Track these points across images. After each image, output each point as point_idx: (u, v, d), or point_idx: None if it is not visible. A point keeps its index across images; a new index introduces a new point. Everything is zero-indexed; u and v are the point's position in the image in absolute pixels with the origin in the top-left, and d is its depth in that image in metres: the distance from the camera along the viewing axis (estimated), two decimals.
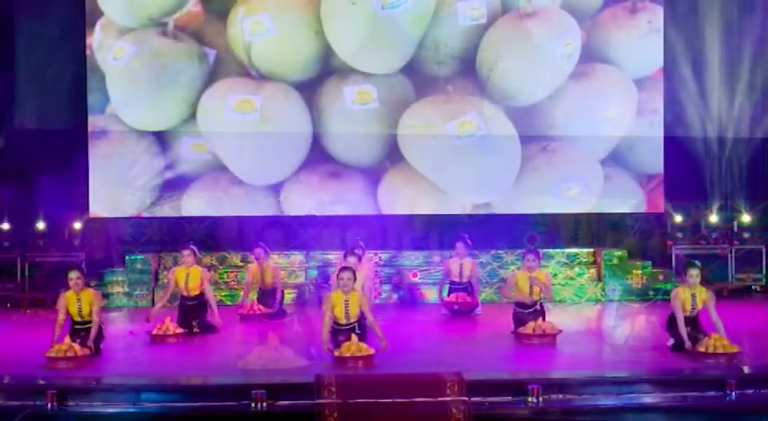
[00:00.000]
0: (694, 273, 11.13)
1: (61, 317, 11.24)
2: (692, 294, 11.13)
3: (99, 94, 16.15)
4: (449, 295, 14.16)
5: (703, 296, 11.13)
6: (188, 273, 12.91)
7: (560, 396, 9.53)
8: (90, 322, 11.26)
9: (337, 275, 11.27)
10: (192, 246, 13.04)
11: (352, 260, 13.50)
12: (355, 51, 16.15)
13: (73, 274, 11.30)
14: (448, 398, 9.35)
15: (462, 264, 14.17)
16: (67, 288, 11.35)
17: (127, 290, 15.60)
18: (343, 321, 11.04)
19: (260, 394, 9.34)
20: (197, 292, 12.90)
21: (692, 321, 11.12)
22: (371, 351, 10.56)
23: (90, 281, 15.62)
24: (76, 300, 11.29)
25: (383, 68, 16.15)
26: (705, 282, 11.39)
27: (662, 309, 12.08)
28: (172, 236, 15.99)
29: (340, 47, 16.07)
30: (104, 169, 16.13)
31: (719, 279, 15.90)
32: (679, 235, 16.36)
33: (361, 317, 11.08)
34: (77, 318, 11.28)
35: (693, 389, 9.65)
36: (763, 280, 16.20)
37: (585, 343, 11.97)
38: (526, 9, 16.11)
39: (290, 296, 15.16)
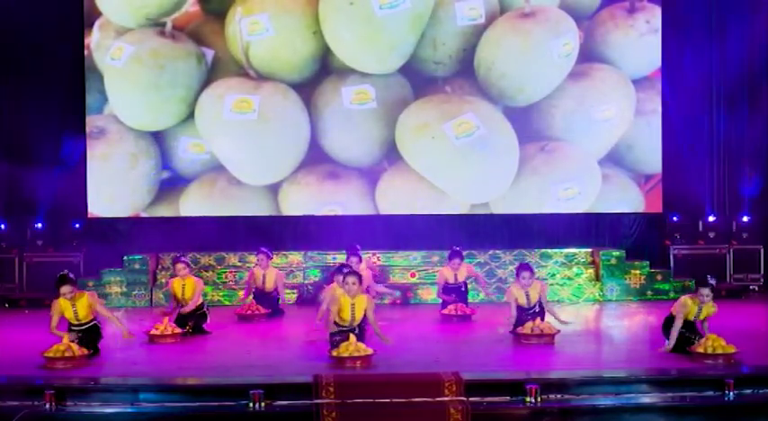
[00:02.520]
0: (705, 293, 11.08)
1: (54, 322, 11.19)
2: (699, 308, 11.13)
3: (97, 94, 16.18)
4: (443, 301, 14.12)
5: (710, 310, 11.13)
6: (184, 284, 12.88)
7: (558, 396, 9.53)
8: (87, 323, 11.26)
9: (343, 279, 11.26)
10: (183, 259, 12.99)
11: (353, 260, 13.54)
12: (353, 51, 16.16)
13: (65, 289, 11.18)
14: (446, 398, 9.35)
15: (457, 274, 14.14)
16: (59, 295, 11.32)
17: (125, 290, 15.60)
18: (347, 324, 11.05)
19: (258, 394, 9.34)
20: (196, 303, 12.88)
21: (687, 324, 11.12)
22: (369, 351, 10.56)
23: (88, 281, 15.76)
24: (71, 305, 11.26)
25: (381, 68, 16.16)
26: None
27: (660, 309, 12.08)
28: (170, 236, 15.99)
29: (338, 47, 16.08)
30: (102, 169, 16.15)
31: (717, 279, 15.88)
32: (677, 235, 16.36)
33: (363, 320, 11.11)
34: (74, 322, 11.27)
35: (692, 389, 9.66)
36: (761, 280, 16.21)
37: (584, 343, 11.98)
38: (524, 9, 16.14)
39: (289, 296, 15.19)
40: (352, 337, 10.69)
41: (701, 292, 11.10)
